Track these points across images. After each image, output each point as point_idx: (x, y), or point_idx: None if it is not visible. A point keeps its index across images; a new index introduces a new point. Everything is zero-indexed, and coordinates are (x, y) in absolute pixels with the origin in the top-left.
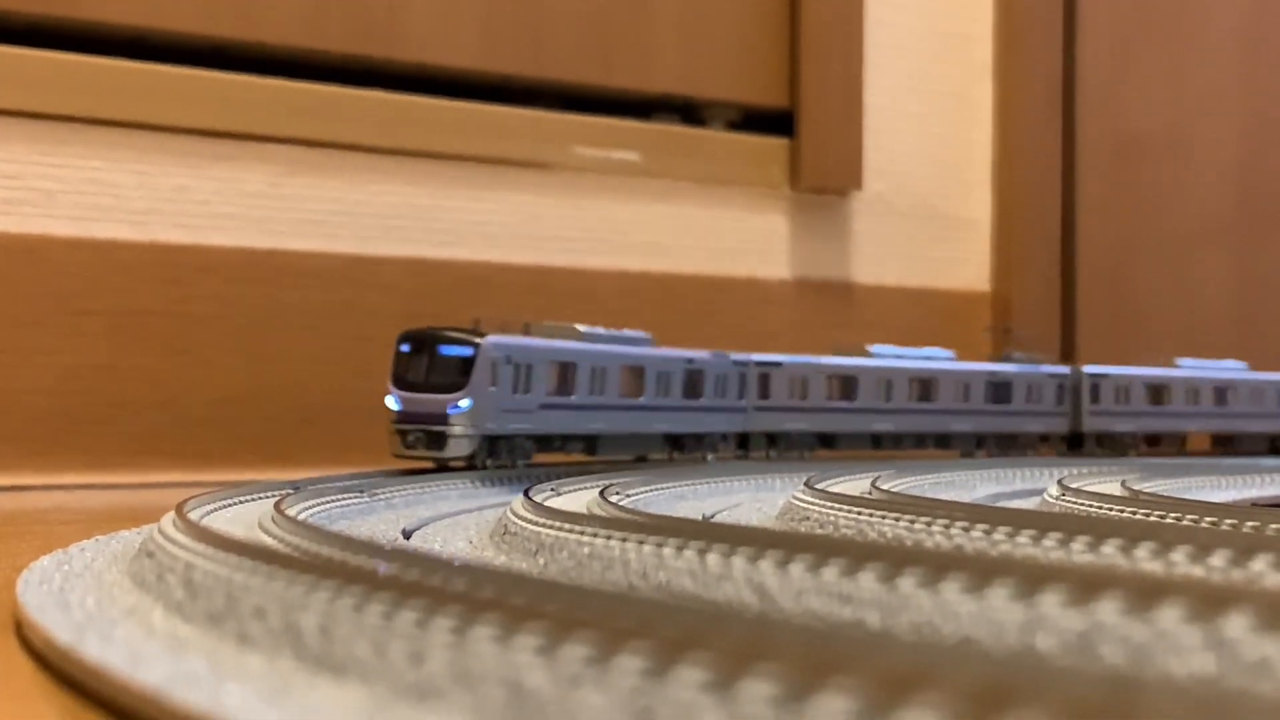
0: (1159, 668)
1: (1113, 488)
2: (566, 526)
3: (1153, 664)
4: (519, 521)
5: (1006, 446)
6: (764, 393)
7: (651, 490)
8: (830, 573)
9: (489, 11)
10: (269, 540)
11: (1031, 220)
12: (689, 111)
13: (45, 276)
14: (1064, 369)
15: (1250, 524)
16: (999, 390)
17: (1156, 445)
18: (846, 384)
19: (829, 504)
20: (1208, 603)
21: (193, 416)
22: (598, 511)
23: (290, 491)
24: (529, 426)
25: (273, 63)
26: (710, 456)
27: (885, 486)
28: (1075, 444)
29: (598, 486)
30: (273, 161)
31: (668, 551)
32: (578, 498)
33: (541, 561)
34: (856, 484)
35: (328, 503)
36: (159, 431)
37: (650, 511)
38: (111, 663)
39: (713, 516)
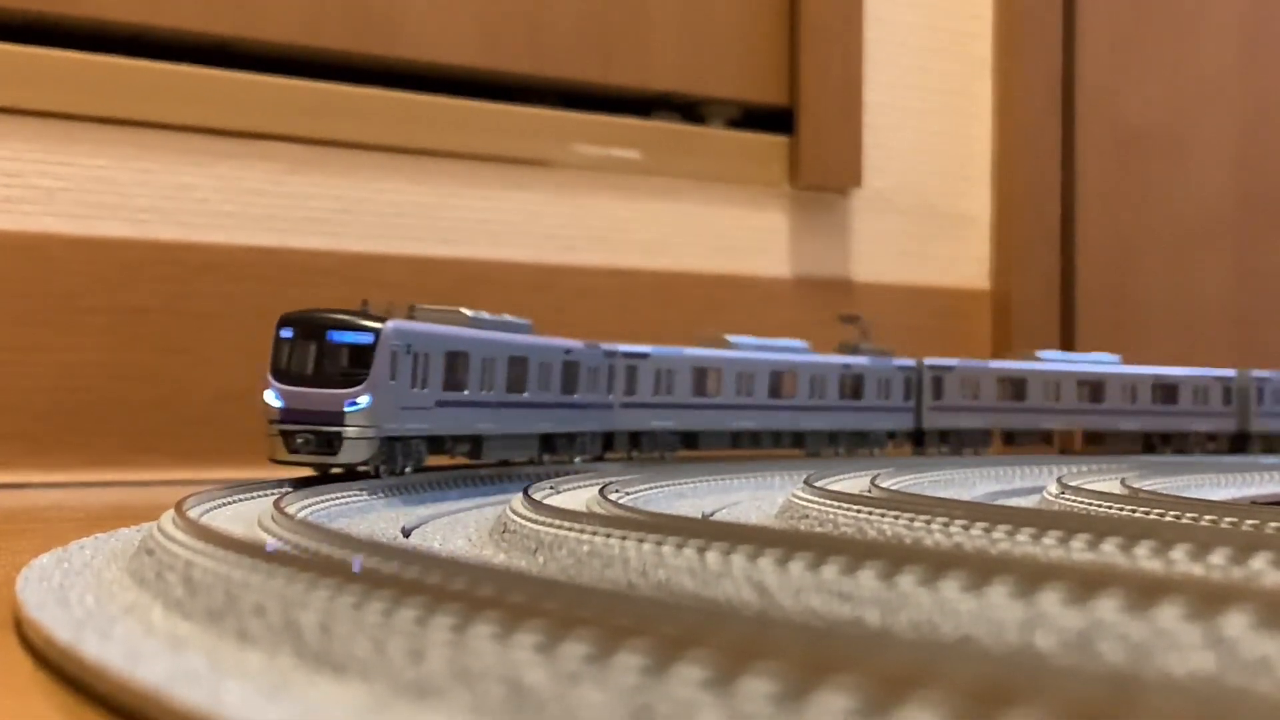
0: (1159, 666)
1: (1112, 486)
2: (566, 524)
3: (1152, 662)
4: (518, 519)
5: (857, 445)
6: (630, 388)
7: (651, 488)
8: (830, 571)
9: (489, 9)
10: (268, 538)
11: (1031, 217)
12: (689, 109)
13: (46, 274)
14: (911, 362)
15: (1250, 522)
16: (852, 385)
17: (1012, 443)
18: (710, 378)
19: (828, 502)
20: (1207, 601)
21: (193, 415)
22: (597, 509)
23: (289, 490)
24: (426, 426)
25: (273, 60)
26: (578, 460)
27: (885, 484)
28: (918, 441)
29: (596, 485)
30: (273, 159)
31: (667, 549)
32: (577, 495)
33: (541, 559)
34: (856, 482)
35: (327, 500)
36: (159, 429)
37: (650, 509)
38: (111, 660)
39: (712, 514)
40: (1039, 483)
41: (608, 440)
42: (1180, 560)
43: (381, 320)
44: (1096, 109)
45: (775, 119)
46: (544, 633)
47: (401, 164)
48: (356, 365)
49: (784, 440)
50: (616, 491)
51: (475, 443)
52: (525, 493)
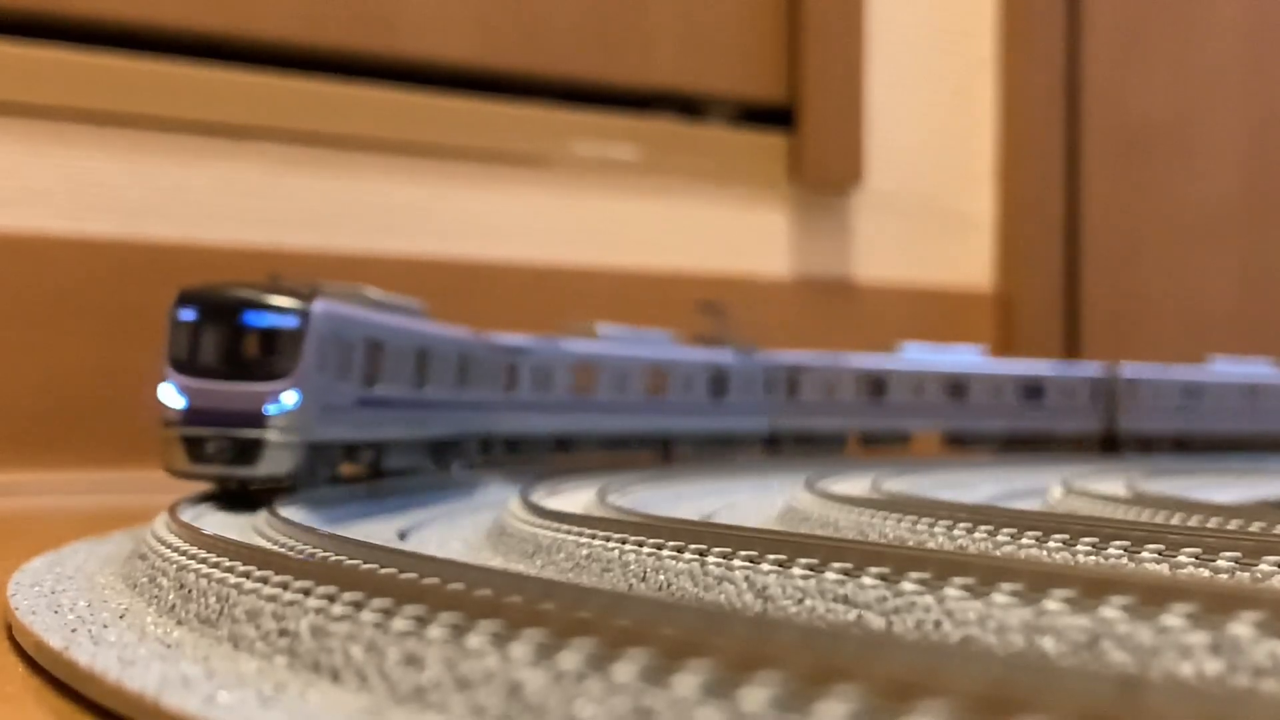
0: (1165, 670)
1: (1117, 488)
2: (564, 528)
3: (1159, 666)
4: (516, 523)
5: (720, 449)
6: (511, 384)
7: (650, 489)
8: (832, 575)
9: (487, 4)
10: (263, 542)
11: (1035, 216)
12: (688, 106)
13: (38, 275)
14: (775, 356)
15: (1257, 524)
16: (716, 383)
17: (874, 445)
18: (587, 376)
19: (830, 504)
20: (1214, 605)
21: None
22: (596, 512)
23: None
24: (346, 431)
25: (269, 57)
26: (455, 465)
27: (886, 486)
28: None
29: (594, 486)
30: (267, 157)
31: (667, 553)
32: (575, 498)
33: (539, 563)
34: (857, 484)
35: (324, 504)
36: (152, 431)
37: (649, 512)
38: (104, 667)
39: (711, 516)
40: (1040, 484)
41: (485, 444)
42: (1187, 564)
43: (308, 299)
44: (1101, 107)
45: (775, 117)
46: (542, 638)
47: (397, 162)
48: (280, 355)
49: (651, 444)
50: (615, 494)
51: (380, 450)
52: (523, 495)
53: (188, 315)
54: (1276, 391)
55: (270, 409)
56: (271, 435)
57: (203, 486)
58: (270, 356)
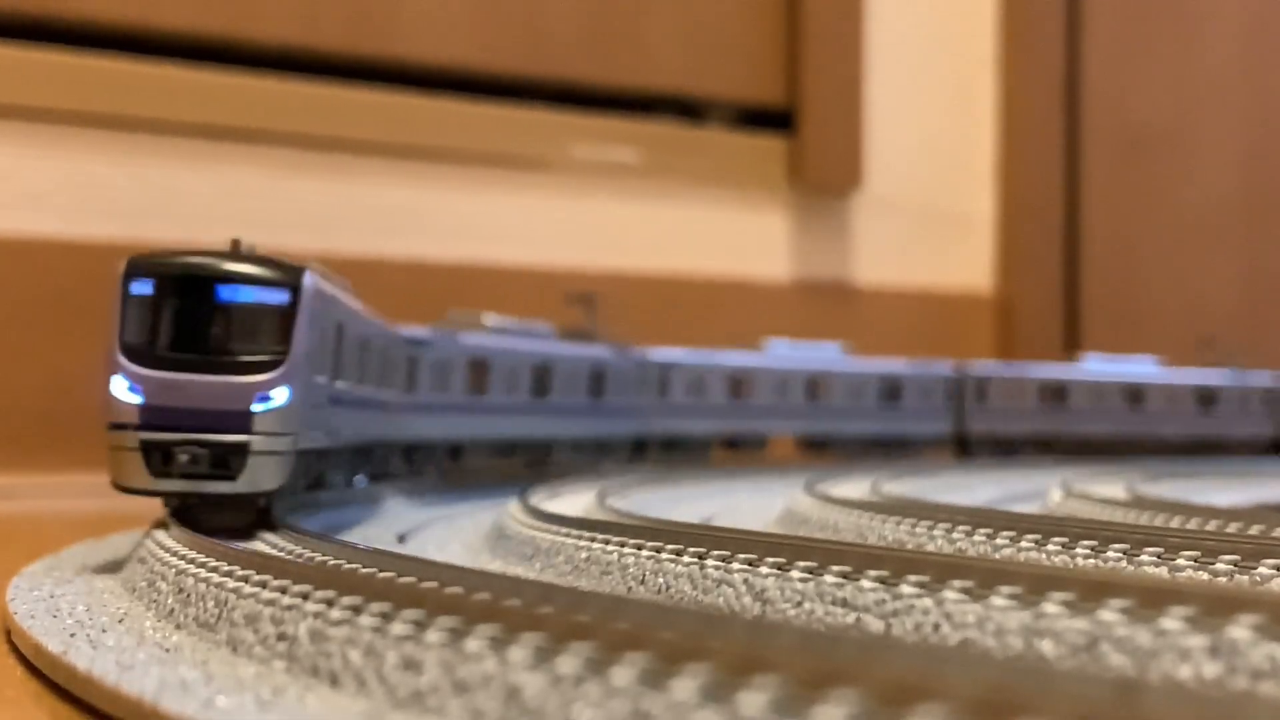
0: (1164, 673)
1: (1116, 490)
2: (564, 531)
3: (1158, 669)
4: (515, 526)
5: (600, 455)
6: (409, 382)
7: (649, 492)
8: (831, 578)
9: (487, 7)
10: (262, 546)
11: (1035, 218)
12: (688, 109)
13: (38, 277)
14: (645, 353)
15: (1256, 527)
16: (594, 383)
17: (733, 448)
18: (478, 373)
19: (830, 507)
20: (1213, 607)
21: None
22: (595, 515)
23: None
24: (321, 436)
25: (269, 60)
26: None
27: (886, 489)
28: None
29: (593, 489)
30: (267, 160)
31: (666, 556)
32: (574, 501)
33: (538, 566)
34: (856, 487)
35: (323, 506)
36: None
37: (648, 515)
38: (102, 672)
39: (710, 519)
40: (1040, 486)
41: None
42: (1186, 567)
43: (295, 269)
44: (1101, 109)
45: (775, 120)
46: (541, 642)
47: (397, 165)
48: (268, 339)
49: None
50: (614, 496)
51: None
52: (522, 498)
53: (140, 288)
54: (1161, 391)
55: (258, 407)
56: (258, 441)
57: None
58: (255, 341)
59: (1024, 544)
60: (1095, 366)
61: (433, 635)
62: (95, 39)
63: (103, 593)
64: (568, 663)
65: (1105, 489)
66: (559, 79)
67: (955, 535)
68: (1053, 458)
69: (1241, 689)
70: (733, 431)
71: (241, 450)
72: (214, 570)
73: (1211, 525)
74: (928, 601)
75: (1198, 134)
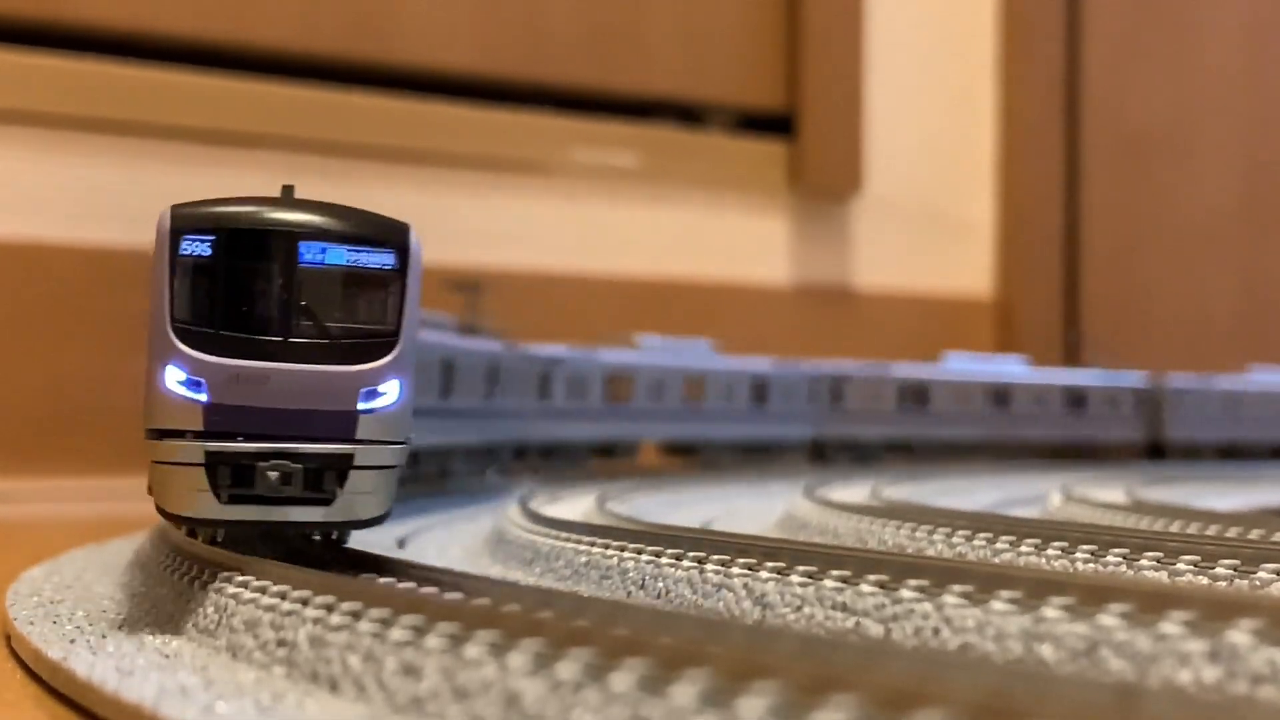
0: (1163, 677)
1: (1116, 495)
2: (563, 535)
3: (1157, 673)
4: (515, 530)
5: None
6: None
7: (648, 496)
8: (831, 582)
9: (486, 12)
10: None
11: (1035, 222)
12: (688, 114)
13: (38, 282)
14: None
15: (1256, 531)
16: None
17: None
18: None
19: (829, 511)
20: (1213, 612)
21: None
22: (595, 520)
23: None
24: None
25: (270, 64)
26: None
27: (886, 494)
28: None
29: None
30: (269, 164)
31: (666, 561)
32: (573, 505)
33: (538, 571)
34: (856, 491)
35: None
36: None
37: (648, 519)
38: (102, 678)
39: (710, 523)
40: (1039, 491)
41: None
42: (1186, 571)
43: (401, 226)
44: (1101, 113)
45: (775, 124)
46: (540, 647)
47: (397, 169)
48: (371, 314)
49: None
50: (614, 500)
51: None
52: (522, 502)
53: (195, 248)
54: (1028, 392)
55: (364, 407)
56: (362, 453)
57: None
58: (358, 320)
59: (1024, 548)
60: (959, 366)
61: (432, 641)
62: (96, 44)
63: (102, 598)
64: (567, 668)
65: (1105, 493)
66: (558, 83)
67: (955, 540)
68: (911, 460)
69: (1241, 693)
70: (609, 437)
71: (343, 464)
72: (214, 576)
73: (1211, 530)
74: (927, 606)
75: (1198, 138)
